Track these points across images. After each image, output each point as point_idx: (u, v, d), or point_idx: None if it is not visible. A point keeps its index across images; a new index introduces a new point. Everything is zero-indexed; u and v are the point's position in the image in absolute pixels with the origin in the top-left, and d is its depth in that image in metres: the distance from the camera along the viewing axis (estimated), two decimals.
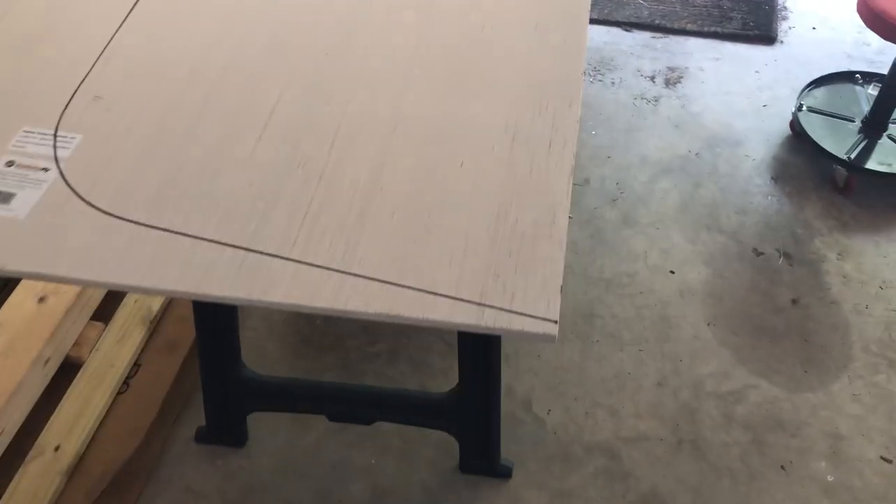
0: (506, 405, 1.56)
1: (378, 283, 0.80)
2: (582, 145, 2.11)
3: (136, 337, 1.66)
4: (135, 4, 1.10)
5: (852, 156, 2.00)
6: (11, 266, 0.81)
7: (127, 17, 1.09)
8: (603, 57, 2.42)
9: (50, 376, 1.55)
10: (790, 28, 2.51)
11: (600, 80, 2.34)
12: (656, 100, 2.28)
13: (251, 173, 0.90)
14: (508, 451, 1.52)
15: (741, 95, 2.29)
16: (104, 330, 1.65)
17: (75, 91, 0.99)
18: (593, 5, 2.48)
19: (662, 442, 1.56)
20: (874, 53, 2.43)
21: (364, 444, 1.55)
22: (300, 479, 1.51)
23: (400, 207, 0.86)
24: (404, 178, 0.89)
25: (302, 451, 1.55)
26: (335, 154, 0.91)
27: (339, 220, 0.85)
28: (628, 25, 2.50)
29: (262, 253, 0.82)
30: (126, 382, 1.63)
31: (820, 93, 2.18)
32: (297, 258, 0.82)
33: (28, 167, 0.90)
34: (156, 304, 1.72)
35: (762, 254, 1.91)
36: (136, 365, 1.65)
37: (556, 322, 0.77)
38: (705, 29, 2.48)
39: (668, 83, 2.33)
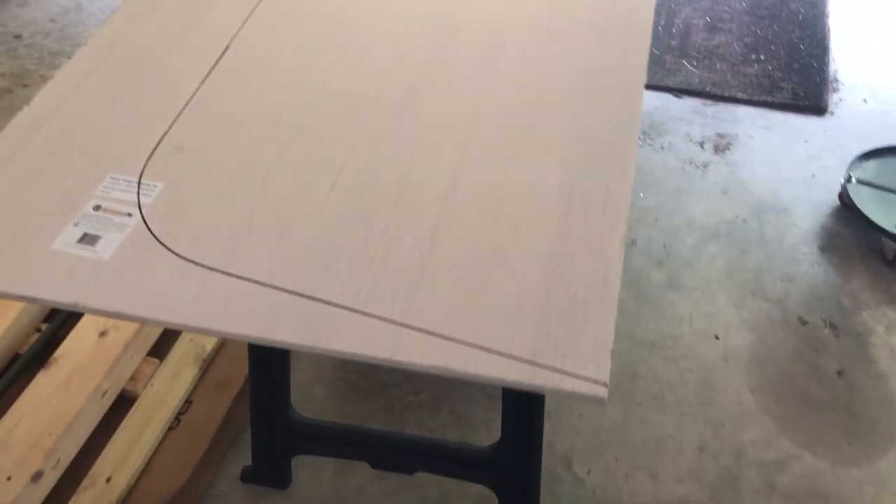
0: (546, 462, 1.57)
1: (435, 337, 0.84)
2: (630, 207, 2.15)
3: (189, 374, 1.71)
4: (215, 64, 1.18)
5: None
6: (94, 304, 0.87)
7: (209, 74, 1.17)
8: (653, 121, 2.46)
9: (106, 409, 1.61)
10: (841, 100, 2.54)
11: (650, 144, 2.38)
12: (705, 165, 2.32)
13: (319, 226, 0.95)
14: None
15: (790, 164, 2.32)
16: (159, 366, 1.71)
17: (159, 141, 1.06)
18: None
19: None
20: None
21: (404, 493, 1.57)
22: None
23: (457, 265, 0.90)
24: (462, 237, 0.94)
25: (343, 496, 1.58)
26: (398, 212, 0.97)
27: (399, 275, 0.90)
28: (679, 92, 2.55)
29: (327, 303, 0.87)
30: (177, 418, 1.68)
31: (870, 165, 2.19)
32: (360, 309, 0.87)
33: (113, 212, 0.97)
34: (209, 343, 1.78)
35: (807, 323, 1.91)
36: (188, 402, 1.71)
37: (606, 385, 0.80)
38: (755, 98, 2.51)
39: (717, 149, 2.37)
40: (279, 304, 0.87)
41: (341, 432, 1.58)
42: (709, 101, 2.53)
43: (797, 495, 1.58)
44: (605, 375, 0.80)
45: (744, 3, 2.89)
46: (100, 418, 1.60)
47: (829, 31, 2.77)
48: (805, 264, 2.04)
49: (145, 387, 1.67)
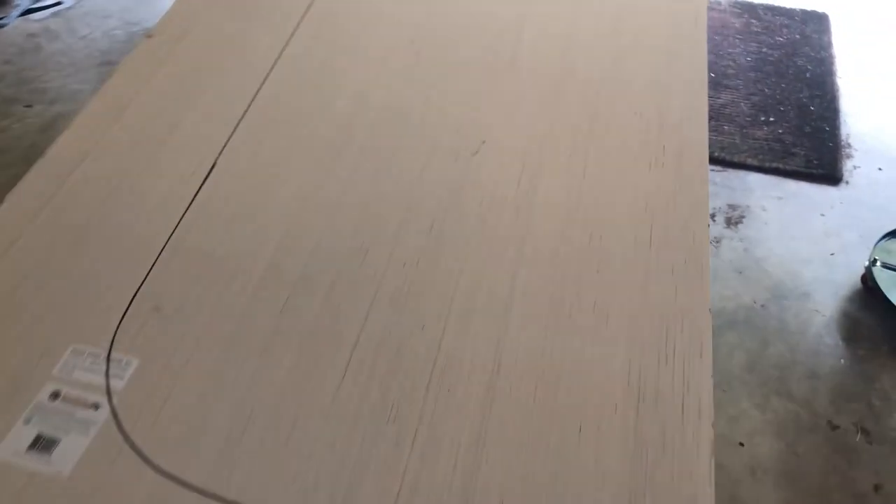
0: None
1: None
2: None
3: None
4: (200, 187, 0.99)
5: None
6: None
7: (192, 201, 0.97)
8: None
9: None
10: (855, 168, 2.41)
11: None
12: (718, 241, 2.17)
13: (334, 426, 0.77)
14: None
15: (807, 241, 2.17)
16: None
17: (132, 299, 0.87)
18: None
19: None
20: None
21: None
22: None
23: (508, 490, 0.73)
24: (511, 446, 0.76)
25: None
26: (430, 405, 0.78)
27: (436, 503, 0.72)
28: None
29: None
30: None
31: (893, 246, 2.06)
32: None
33: (76, 402, 0.78)
34: None
35: (837, 427, 1.76)
36: None
37: None
38: (766, 164, 2.37)
39: (730, 223, 2.22)
40: None
41: None
42: (718, 168, 2.39)
43: None
44: None
45: (748, 58, 2.75)
46: None
47: (838, 92, 2.64)
48: (830, 358, 1.89)
49: None
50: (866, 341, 1.94)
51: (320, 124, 1.08)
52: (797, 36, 2.86)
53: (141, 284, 0.88)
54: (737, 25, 2.93)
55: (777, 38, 2.85)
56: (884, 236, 2.07)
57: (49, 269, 0.89)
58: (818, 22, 2.95)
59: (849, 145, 2.49)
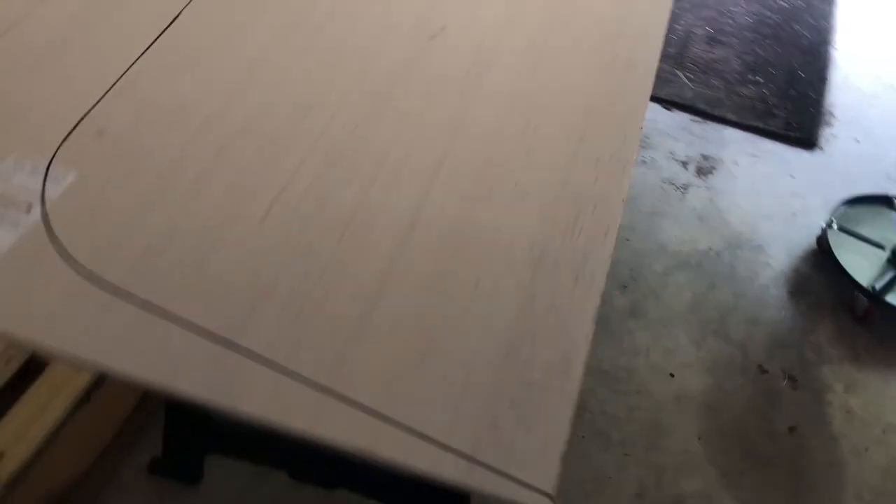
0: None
1: (362, 413, 0.72)
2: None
3: None
4: (158, 36, 1.03)
5: (877, 286, 1.92)
6: None
7: (148, 48, 1.01)
8: None
9: (9, 376, 1.47)
10: (832, 136, 2.45)
11: None
12: (685, 188, 2.21)
13: (250, 254, 0.82)
14: None
15: (772, 199, 2.22)
16: None
17: (79, 121, 0.91)
18: None
19: None
20: None
21: None
22: None
23: (401, 324, 0.78)
24: (411, 289, 0.81)
25: (254, 502, 1.47)
26: (342, 249, 0.84)
27: (332, 328, 0.77)
28: (669, 104, 2.43)
29: (243, 352, 0.74)
30: (88, 394, 1.54)
31: (853, 212, 2.10)
32: (281, 363, 0.74)
33: (10, 202, 0.83)
34: None
35: (766, 371, 1.83)
36: (102, 376, 1.57)
37: (551, 497, 0.69)
38: (746, 122, 2.41)
39: (700, 172, 2.26)
40: (188, 346, 0.74)
41: (262, 436, 1.46)
42: (698, 119, 2.42)
43: None
44: (550, 485, 0.70)
45: (748, 18, 2.76)
46: (1, 386, 1.46)
47: (831, 62, 2.66)
48: (772, 308, 1.96)
49: None
50: (810, 297, 2.00)
51: None
52: (801, 2, 2.86)
53: (88, 111, 0.92)
54: None
55: (780, 2, 2.85)
56: (845, 202, 2.12)
57: (2, 84, 0.94)
58: None
59: (831, 114, 2.52)
